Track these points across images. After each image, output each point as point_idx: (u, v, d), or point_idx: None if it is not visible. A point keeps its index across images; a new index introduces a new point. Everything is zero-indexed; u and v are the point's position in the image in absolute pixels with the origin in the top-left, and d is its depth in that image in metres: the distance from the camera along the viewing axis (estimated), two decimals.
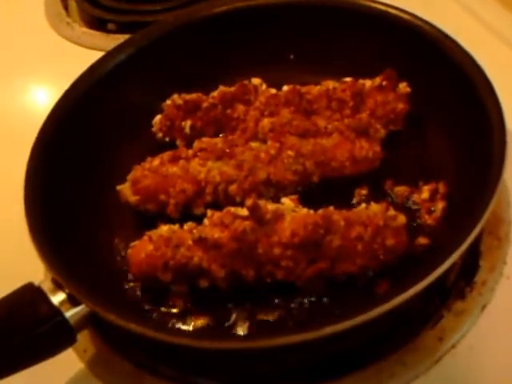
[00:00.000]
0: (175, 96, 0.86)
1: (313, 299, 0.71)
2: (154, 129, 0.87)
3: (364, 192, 0.78)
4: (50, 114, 0.83)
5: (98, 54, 0.91)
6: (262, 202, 0.72)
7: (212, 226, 0.71)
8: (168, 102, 0.87)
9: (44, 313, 0.66)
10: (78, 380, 0.73)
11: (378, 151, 0.79)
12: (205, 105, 0.85)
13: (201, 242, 0.70)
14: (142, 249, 0.72)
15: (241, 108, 0.84)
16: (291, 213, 0.72)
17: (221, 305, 0.72)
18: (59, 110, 0.84)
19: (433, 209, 0.76)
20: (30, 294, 0.67)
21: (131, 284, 0.75)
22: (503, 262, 0.75)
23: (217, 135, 0.84)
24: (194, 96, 0.86)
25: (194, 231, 0.71)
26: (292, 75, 0.90)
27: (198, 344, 0.64)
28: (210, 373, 0.71)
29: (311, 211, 0.72)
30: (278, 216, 0.71)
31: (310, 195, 0.77)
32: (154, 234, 0.73)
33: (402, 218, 0.71)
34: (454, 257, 0.64)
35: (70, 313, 0.67)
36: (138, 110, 0.88)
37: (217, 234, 0.70)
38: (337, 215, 0.70)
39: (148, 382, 0.71)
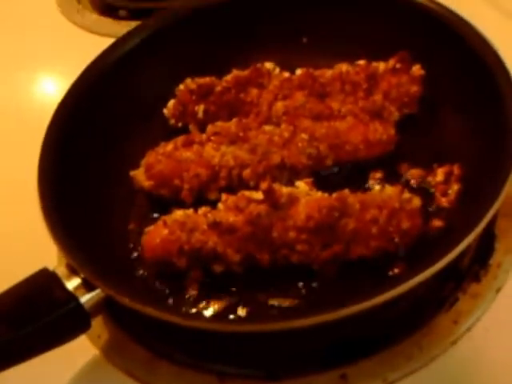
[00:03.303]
0: (188, 80, 0.86)
1: (328, 283, 0.70)
2: (166, 114, 0.86)
3: (379, 175, 0.78)
4: (63, 100, 0.82)
5: (110, 41, 0.90)
6: (276, 186, 0.71)
7: (226, 210, 0.71)
8: (181, 86, 0.86)
9: (59, 298, 0.66)
10: (93, 366, 0.73)
11: (392, 134, 0.78)
12: (218, 89, 0.84)
13: (215, 226, 0.70)
14: (157, 233, 0.72)
15: (254, 92, 0.84)
16: (306, 196, 0.72)
17: (236, 289, 0.72)
18: (72, 96, 0.83)
19: (447, 191, 0.76)
20: (44, 280, 0.67)
21: (146, 270, 0.75)
22: None
23: (230, 119, 0.83)
24: (207, 80, 0.86)
25: (209, 215, 0.71)
26: (305, 58, 0.89)
27: (214, 327, 0.64)
28: (226, 359, 0.71)
29: (326, 194, 0.72)
30: (293, 199, 0.71)
31: (325, 179, 0.77)
32: (168, 218, 0.73)
33: (416, 201, 0.71)
34: (469, 239, 0.63)
35: (85, 298, 0.67)
36: (151, 95, 0.88)
37: (231, 217, 0.70)
38: (352, 198, 0.70)
39: (163, 368, 0.71)
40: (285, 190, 0.72)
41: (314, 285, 0.71)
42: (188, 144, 0.79)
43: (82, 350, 0.74)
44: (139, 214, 0.80)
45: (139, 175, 0.79)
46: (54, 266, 0.69)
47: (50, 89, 1.06)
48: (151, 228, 0.73)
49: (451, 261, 0.63)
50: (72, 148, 0.79)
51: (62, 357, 0.70)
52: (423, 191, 0.77)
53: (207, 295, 0.73)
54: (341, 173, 0.78)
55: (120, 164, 0.82)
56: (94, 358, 0.74)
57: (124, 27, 1.03)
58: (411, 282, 0.61)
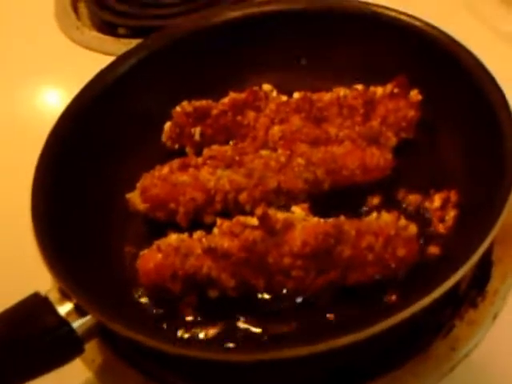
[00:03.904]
0: (185, 103, 0.85)
1: (323, 309, 0.70)
2: (163, 136, 0.86)
3: (376, 201, 0.78)
4: (59, 120, 0.82)
5: (109, 59, 0.90)
6: (272, 211, 0.71)
7: (221, 236, 0.71)
8: (177, 108, 0.86)
9: (51, 323, 0.66)
10: None
11: (389, 159, 0.78)
12: (215, 112, 0.84)
13: (210, 251, 0.69)
14: (151, 258, 0.72)
15: (251, 115, 0.84)
16: (302, 222, 0.71)
17: (231, 315, 0.71)
18: (68, 116, 0.83)
19: (444, 217, 0.75)
20: (36, 305, 0.67)
21: (140, 293, 0.74)
22: None
23: (227, 142, 0.83)
24: (203, 103, 0.85)
25: (204, 240, 0.71)
26: (303, 81, 0.89)
27: (206, 355, 0.63)
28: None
29: (322, 220, 0.71)
30: (289, 225, 0.70)
31: (321, 204, 0.76)
32: (162, 242, 0.72)
33: (413, 228, 0.70)
34: (465, 268, 0.63)
35: (78, 323, 0.66)
36: (148, 117, 0.87)
37: (226, 243, 0.70)
38: (347, 225, 0.70)
39: None
40: (280, 215, 0.71)
41: (309, 311, 0.70)
42: (184, 167, 0.79)
43: (75, 374, 0.73)
44: (135, 237, 0.80)
45: (135, 198, 0.79)
46: (46, 290, 0.68)
47: (48, 106, 1.06)
48: (145, 252, 0.73)
49: (447, 289, 0.62)
50: (66, 169, 0.79)
51: (55, 380, 0.69)
52: (420, 217, 0.76)
53: (202, 320, 0.72)
54: (337, 197, 0.77)
55: (115, 186, 0.82)
56: (87, 380, 0.74)
57: (123, 45, 1.03)
58: (406, 312, 0.61)
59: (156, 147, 0.86)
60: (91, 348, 0.73)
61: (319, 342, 0.60)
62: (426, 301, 0.61)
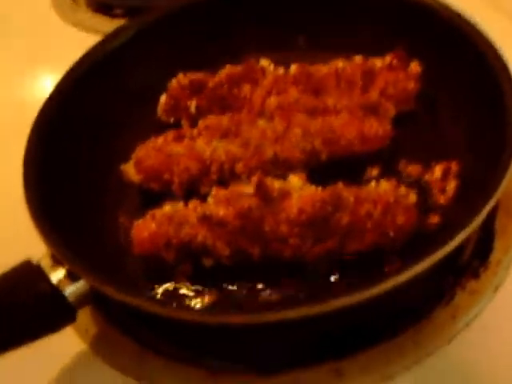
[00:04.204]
0: (180, 75, 0.84)
1: (319, 279, 0.68)
2: (158, 109, 0.84)
3: (375, 172, 0.77)
4: (51, 94, 0.81)
5: None
6: (268, 180, 0.70)
7: (217, 204, 0.69)
8: (173, 81, 0.84)
9: (42, 290, 0.64)
10: (81, 361, 0.71)
11: (387, 129, 0.76)
12: (211, 84, 0.83)
13: (205, 219, 0.68)
14: (145, 227, 0.70)
15: (247, 88, 0.82)
16: (299, 190, 0.70)
17: (226, 283, 0.70)
18: (61, 90, 0.82)
19: (445, 188, 0.74)
20: (27, 271, 0.65)
21: (135, 263, 0.73)
22: None
23: (223, 115, 0.81)
24: (199, 75, 0.84)
25: (199, 209, 0.69)
26: (302, 55, 0.88)
27: (199, 318, 0.62)
28: (217, 353, 0.69)
29: (319, 189, 0.70)
30: (285, 193, 0.69)
31: (319, 174, 0.75)
32: (157, 212, 0.71)
33: (412, 196, 0.69)
34: (464, 234, 0.62)
35: (69, 290, 0.65)
36: (143, 90, 0.86)
37: (221, 211, 0.68)
38: (346, 192, 0.68)
39: (152, 362, 0.69)
40: (277, 183, 0.70)
41: (306, 281, 0.69)
42: (179, 138, 0.78)
43: (69, 344, 0.72)
44: (130, 208, 0.78)
45: (129, 169, 0.78)
46: (39, 256, 0.66)
47: (42, 86, 1.04)
48: (140, 222, 0.71)
49: (447, 255, 0.61)
50: (59, 140, 0.78)
51: (49, 351, 0.69)
52: (420, 188, 0.75)
53: (197, 289, 0.70)
54: (336, 168, 0.76)
55: (110, 158, 0.80)
56: (81, 352, 0.72)
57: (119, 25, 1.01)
58: (405, 275, 0.59)
59: (151, 120, 0.85)
60: (84, 317, 0.72)
61: (314, 304, 0.58)
62: (424, 265, 0.60)
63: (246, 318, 0.61)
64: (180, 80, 0.84)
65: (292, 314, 0.59)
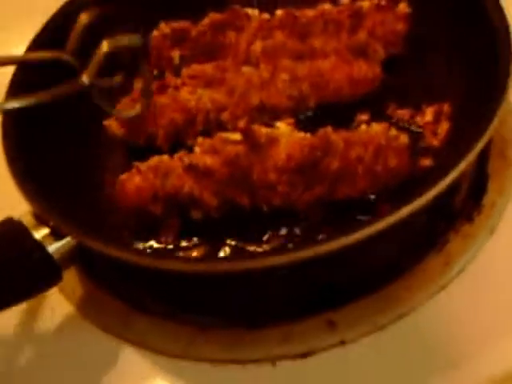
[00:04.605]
0: (162, 25, 0.82)
1: (311, 228, 0.67)
2: None
3: (365, 117, 0.74)
4: (30, 48, 0.78)
5: None
6: (255, 126, 0.68)
7: (203, 153, 0.67)
8: (155, 32, 0.82)
9: (26, 248, 0.63)
10: (68, 323, 0.70)
11: (377, 72, 0.74)
12: (194, 33, 0.80)
13: (191, 169, 0.66)
14: (130, 181, 0.68)
15: (232, 34, 0.80)
16: (287, 137, 0.68)
17: (215, 237, 0.68)
18: (39, 45, 0.79)
19: (437, 131, 0.72)
20: (10, 229, 0.64)
21: (122, 219, 0.71)
22: None
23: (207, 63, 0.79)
24: (182, 24, 0.81)
25: (185, 159, 0.67)
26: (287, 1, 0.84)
27: (185, 267, 0.60)
28: (206, 309, 0.68)
29: (308, 135, 0.68)
30: (273, 140, 0.67)
31: (308, 120, 0.73)
32: (142, 164, 0.69)
33: (404, 138, 0.67)
34: (456, 172, 0.60)
35: (54, 247, 0.63)
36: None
37: (208, 160, 0.66)
38: (335, 136, 0.66)
39: (140, 322, 0.68)
40: (264, 130, 0.68)
41: (297, 231, 0.67)
42: (162, 89, 0.75)
43: (56, 306, 0.71)
44: (115, 164, 0.76)
45: (113, 123, 0.75)
46: (20, 214, 0.64)
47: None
48: (125, 175, 0.69)
49: (440, 196, 0.59)
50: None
51: (36, 314, 0.69)
52: (412, 131, 0.73)
53: (186, 243, 0.69)
54: (325, 114, 0.74)
55: (93, 113, 0.77)
56: (69, 314, 0.71)
57: None
58: (394, 217, 0.57)
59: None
60: (71, 279, 0.71)
61: (303, 248, 0.57)
62: (415, 205, 0.58)
63: (231, 265, 0.60)
64: (162, 29, 0.81)
65: (278, 260, 0.57)
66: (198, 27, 0.81)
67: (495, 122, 0.63)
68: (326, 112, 0.74)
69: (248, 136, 0.66)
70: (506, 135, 0.75)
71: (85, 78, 0.65)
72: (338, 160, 0.65)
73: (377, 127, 0.67)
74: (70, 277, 0.70)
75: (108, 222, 0.71)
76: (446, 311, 0.64)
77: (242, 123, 0.66)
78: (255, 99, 0.72)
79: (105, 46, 0.65)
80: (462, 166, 0.60)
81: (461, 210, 0.70)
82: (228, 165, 0.65)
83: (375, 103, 0.75)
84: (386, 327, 0.64)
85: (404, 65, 0.79)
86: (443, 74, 0.77)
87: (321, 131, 0.67)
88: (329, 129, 0.67)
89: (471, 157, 0.61)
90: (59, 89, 0.66)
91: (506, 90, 0.65)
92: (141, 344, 0.66)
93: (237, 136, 0.67)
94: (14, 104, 0.66)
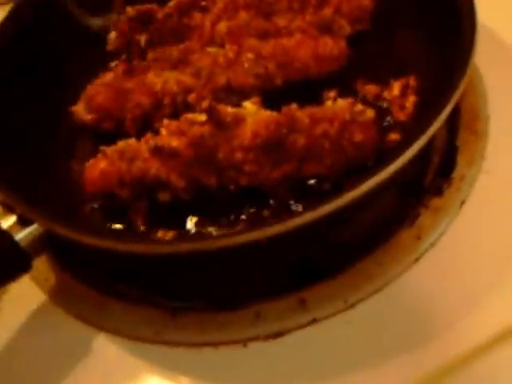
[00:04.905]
0: (128, 8, 0.81)
1: (280, 207, 0.66)
2: (108, 47, 0.81)
3: (332, 94, 0.74)
4: None
5: None
6: (221, 106, 0.67)
7: (169, 135, 0.67)
8: (121, 16, 0.81)
9: None
10: (41, 312, 0.70)
11: (343, 48, 0.74)
12: (160, 15, 0.79)
13: (157, 151, 0.66)
14: (97, 165, 0.68)
15: (198, 16, 0.79)
16: (253, 115, 0.67)
17: (183, 219, 0.68)
18: (4, 31, 0.78)
19: (404, 105, 0.71)
20: None
21: (90, 205, 0.70)
22: (481, 157, 0.71)
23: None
24: (147, 6, 0.80)
25: (150, 141, 0.66)
26: None
27: (149, 249, 0.60)
28: (177, 292, 0.68)
29: (274, 113, 0.67)
30: (239, 119, 0.66)
31: (275, 99, 0.72)
32: (108, 148, 0.68)
33: (369, 113, 0.67)
34: (420, 142, 0.59)
35: (21, 235, 0.63)
36: (90, 28, 0.82)
37: (174, 141, 0.66)
38: (300, 113, 0.66)
39: (113, 308, 0.68)
40: (230, 109, 0.67)
41: (266, 209, 0.67)
42: (129, 72, 0.75)
43: (29, 295, 0.70)
44: (83, 151, 0.76)
45: (79, 109, 0.75)
46: None
47: None
48: (91, 161, 0.69)
49: (406, 168, 0.59)
50: (4, 86, 0.74)
51: (8, 304, 0.69)
52: (380, 107, 0.73)
53: (155, 227, 0.68)
54: (292, 92, 0.73)
55: (60, 101, 0.77)
56: (42, 303, 0.70)
57: None
58: (361, 190, 0.57)
59: (101, 59, 0.81)
60: (43, 267, 0.71)
61: (268, 226, 0.56)
62: (382, 177, 0.58)
63: (194, 246, 0.59)
64: (128, 12, 0.81)
65: (242, 239, 0.57)
66: (165, 9, 0.80)
67: (458, 93, 0.63)
68: (294, 90, 0.74)
69: (213, 116, 0.65)
70: (474, 109, 0.74)
71: None
72: (303, 137, 0.65)
73: (342, 103, 0.67)
74: (43, 265, 0.71)
75: (77, 208, 0.70)
76: (418, 285, 0.64)
77: (205, 103, 0.65)
78: (222, 80, 0.72)
79: None
80: (430, 132, 0.60)
81: (431, 184, 0.69)
82: (194, 146, 0.65)
83: (343, 79, 0.75)
84: (358, 304, 0.63)
85: (370, 40, 0.79)
86: (410, 48, 0.77)
87: (285, 108, 0.66)
88: (294, 106, 0.66)
89: (433, 129, 0.60)
90: None
91: (469, 60, 0.64)
92: (114, 330, 0.66)
93: (202, 117, 0.66)
94: None
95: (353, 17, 0.77)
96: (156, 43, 0.80)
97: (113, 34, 0.82)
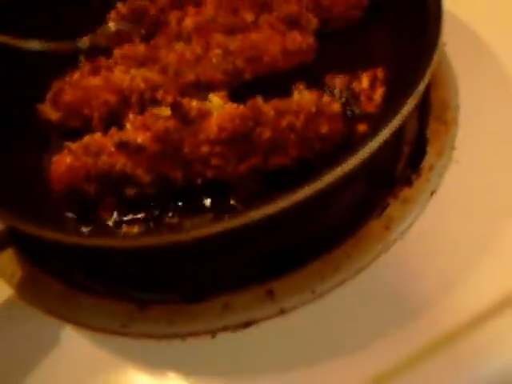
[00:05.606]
0: (119, 5, 0.80)
1: (247, 199, 0.66)
2: None
3: (301, 87, 0.73)
4: None
5: None
6: (186, 100, 0.67)
7: (134, 130, 0.66)
8: (112, 13, 0.81)
9: None
10: (8, 307, 0.69)
11: (311, 42, 0.74)
12: (152, 12, 0.79)
13: (122, 146, 0.65)
14: (62, 161, 0.67)
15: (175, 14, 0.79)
16: (219, 109, 0.67)
17: (151, 213, 0.67)
18: None
19: (373, 96, 0.71)
20: None
21: (58, 201, 0.70)
22: (452, 147, 0.71)
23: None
24: (140, 3, 0.80)
25: (115, 136, 0.66)
26: None
27: (115, 243, 0.59)
28: (145, 285, 0.67)
29: (240, 106, 0.67)
30: (205, 113, 0.66)
31: (243, 93, 0.72)
32: (73, 144, 0.68)
33: (336, 105, 0.67)
34: (387, 131, 0.59)
35: None
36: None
37: (139, 136, 0.65)
38: (266, 105, 0.65)
39: (81, 301, 0.67)
40: (195, 103, 0.67)
41: (233, 202, 0.66)
42: (95, 70, 0.74)
43: None
44: (52, 149, 0.75)
45: (46, 108, 0.74)
46: None
47: None
48: (57, 157, 0.68)
49: (370, 156, 0.59)
50: None
51: None
52: (349, 99, 0.73)
53: (124, 221, 0.68)
54: (261, 86, 0.73)
55: (28, 99, 0.77)
56: (8, 297, 0.70)
57: None
58: (323, 181, 0.57)
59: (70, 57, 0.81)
60: (9, 261, 0.70)
61: (234, 218, 0.56)
62: (348, 166, 0.57)
63: (161, 239, 0.59)
64: (120, 10, 0.80)
65: (208, 231, 0.57)
66: (157, 4, 0.80)
67: (424, 82, 0.63)
68: (262, 84, 0.74)
69: (177, 110, 0.65)
70: (444, 99, 0.74)
71: None
72: (269, 129, 0.64)
73: (308, 95, 0.67)
74: (9, 260, 0.70)
75: (44, 205, 0.70)
76: (387, 276, 0.63)
77: (170, 98, 0.65)
78: (190, 76, 0.72)
79: None
80: (398, 119, 0.60)
81: (401, 175, 0.69)
82: (159, 140, 0.64)
83: (311, 73, 0.74)
84: (325, 294, 0.63)
85: (338, 33, 0.78)
86: (377, 41, 0.77)
87: (251, 101, 0.66)
88: (259, 98, 0.66)
89: (400, 117, 0.60)
90: None
91: (434, 49, 0.64)
92: (81, 323, 0.66)
93: (167, 111, 0.66)
94: None
95: (319, 10, 0.76)
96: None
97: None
